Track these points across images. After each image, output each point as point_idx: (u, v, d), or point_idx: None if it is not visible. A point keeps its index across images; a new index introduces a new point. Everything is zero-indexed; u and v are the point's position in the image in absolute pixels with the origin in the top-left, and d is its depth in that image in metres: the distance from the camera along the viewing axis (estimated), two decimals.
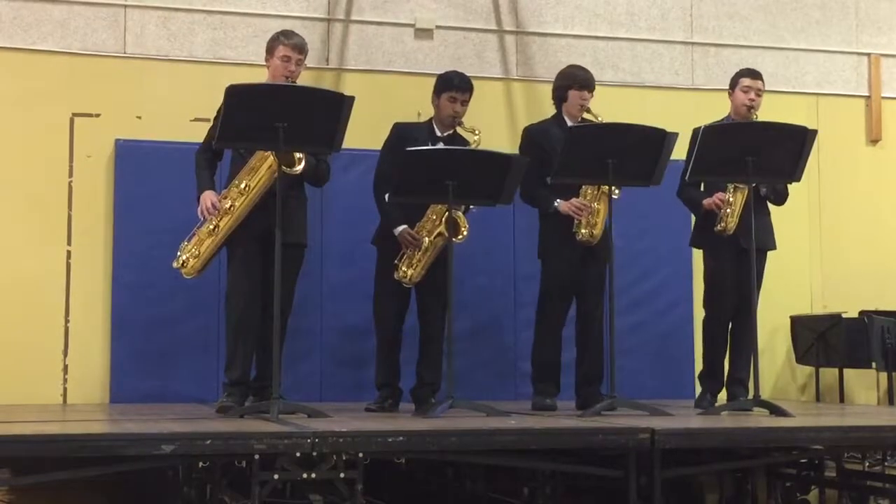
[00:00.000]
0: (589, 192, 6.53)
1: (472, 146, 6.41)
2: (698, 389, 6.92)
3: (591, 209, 6.50)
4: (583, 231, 6.51)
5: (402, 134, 6.54)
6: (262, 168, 5.98)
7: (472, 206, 6.50)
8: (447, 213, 6.22)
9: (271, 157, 5.91)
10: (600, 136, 6.13)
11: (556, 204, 6.53)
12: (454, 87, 6.50)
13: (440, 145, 6.44)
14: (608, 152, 6.00)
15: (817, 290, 8.80)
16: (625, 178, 6.12)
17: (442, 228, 6.33)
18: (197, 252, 6.10)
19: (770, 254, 6.86)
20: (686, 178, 6.30)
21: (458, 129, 6.53)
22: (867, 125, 9.07)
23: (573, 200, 6.50)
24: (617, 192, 6.48)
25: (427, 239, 6.37)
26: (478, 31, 8.40)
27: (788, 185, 6.67)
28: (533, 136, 6.73)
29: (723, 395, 6.80)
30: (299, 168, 5.93)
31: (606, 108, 6.58)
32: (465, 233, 6.35)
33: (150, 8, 7.84)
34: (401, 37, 8.27)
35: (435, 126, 6.58)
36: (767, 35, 8.95)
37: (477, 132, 6.48)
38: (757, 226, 6.34)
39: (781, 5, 9.00)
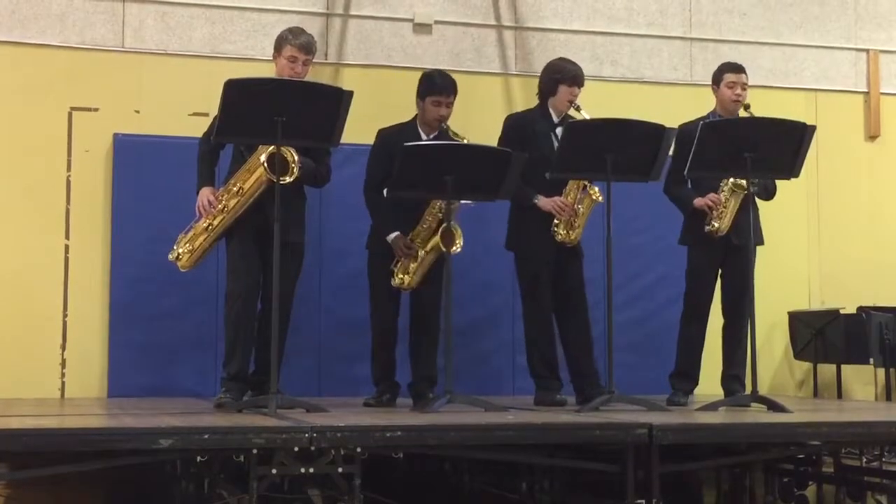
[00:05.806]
0: (572, 192, 6.49)
1: None
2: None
3: (573, 210, 6.46)
4: (562, 232, 6.46)
5: (386, 140, 6.46)
6: (258, 171, 5.96)
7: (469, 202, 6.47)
8: (443, 224, 6.16)
9: (262, 168, 5.87)
10: (599, 132, 6.09)
11: (535, 200, 6.46)
12: (438, 90, 6.39)
13: None
14: (606, 147, 5.98)
15: (815, 285, 8.79)
16: (623, 173, 6.09)
17: (437, 239, 6.24)
18: (191, 247, 6.14)
19: (768, 249, 6.85)
20: (685, 173, 6.26)
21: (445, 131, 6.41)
22: (866, 121, 9.06)
23: (556, 199, 6.44)
24: (600, 196, 6.43)
25: (422, 251, 6.34)
26: (476, 26, 8.39)
27: (786, 181, 6.64)
28: (515, 126, 6.62)
29: (720, 392, 6.81)
30: (289, 179, 5.82)
31: (605, 103, 6.59)
32: (460, 243, 6.20)
33: (148, 2, 7.83)
34: (399, 31, 8.26)
35: (419, 128, 6.49)
36: (766, 30, 8.95)
37: (465, 140, 6.34)
38: (747, 223, 6.32)
39: (780, 1, 9.00)
